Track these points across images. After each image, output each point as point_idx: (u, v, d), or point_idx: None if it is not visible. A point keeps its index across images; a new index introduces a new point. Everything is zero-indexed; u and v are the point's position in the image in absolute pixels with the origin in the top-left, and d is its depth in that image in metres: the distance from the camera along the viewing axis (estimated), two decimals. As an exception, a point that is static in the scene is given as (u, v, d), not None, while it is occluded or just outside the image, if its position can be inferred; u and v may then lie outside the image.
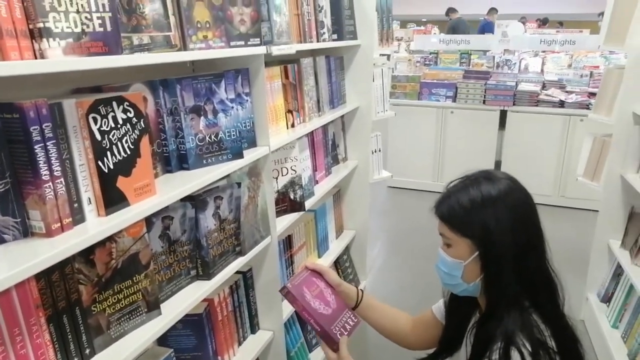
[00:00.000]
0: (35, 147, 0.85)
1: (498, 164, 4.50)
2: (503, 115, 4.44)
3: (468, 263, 1.08)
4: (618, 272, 2.42)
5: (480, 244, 1.06)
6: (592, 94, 4.13)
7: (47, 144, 0.87)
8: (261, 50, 1.48)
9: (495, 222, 1.03)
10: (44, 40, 0.82)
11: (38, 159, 0.86)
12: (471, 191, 1.07)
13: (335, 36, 2.22)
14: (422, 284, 3.01)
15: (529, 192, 1.10)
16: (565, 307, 1.12)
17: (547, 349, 1.00)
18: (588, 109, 4.02)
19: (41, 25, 0.81)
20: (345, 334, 1.26)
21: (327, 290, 1.32)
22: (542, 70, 5.16)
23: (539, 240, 1.09)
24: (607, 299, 2.46)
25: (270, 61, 1.68)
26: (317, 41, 2.04)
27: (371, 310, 1.40)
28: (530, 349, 0.98)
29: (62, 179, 0.91)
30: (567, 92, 4.42)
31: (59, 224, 0.91)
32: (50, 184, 0.88)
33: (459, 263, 1.09)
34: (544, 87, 4.54)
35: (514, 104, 4.38)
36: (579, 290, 2.69)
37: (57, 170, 0.90)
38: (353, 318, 1.32)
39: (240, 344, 1.66)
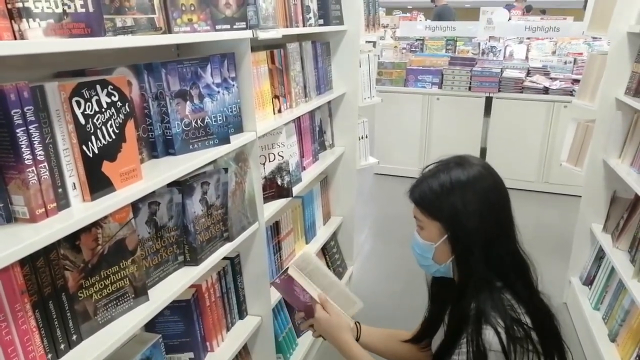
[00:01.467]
0: (17, 130, 0.84)
1: (483, 150, 4.53)
2: (488, 101, 4.47)
3: (438, 245, 1.12)
4: (600, 256, 2.47)
5: (449, 227, 1.10)
6: (576, 81, 4.18)
7: (29, 127, 0.86)
8: (247, 34, 1.46)
9: (463, 206, 1.07)
10: (24, 20, 0.80)
11: (20, 143, 0.84)
12: (441, 176, 1.11)
13: (321, 21, 2.20)
14: (408, 270, 3.02)
15: (501, 179, 1.13)
16: (546, 289, 1.15)
17: (522, 325, 1.02)
18: (572, 95, 4.07)
19: (20, 5, 0.79)
20: None
21: (304, 296, 1.34)
22: (526, 57, 5.19)
23: (508, 225, 1.12)
24: (589, 281, 2.51)
25: (256, 46, 1.66)
26: (303, 26, 2.02)
27: (372, 338, 1.40)
28: (503, 325, 1.00)
29: (45, 164, 0.89)
30: (551, 78, 4.46)
31: (43, 209, 0.89)
32: (34, 168, 0.87)
33: (430, 245, 1.13)
34: (528, 73, 4.58)
35: (499, 91, 4.41)
36: (562, 273, 2.75)
37: (40, 155, 0.88)
38: None
39: (228, 329, 1.66)
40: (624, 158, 2.28)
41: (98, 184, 1.00)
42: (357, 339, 1.38)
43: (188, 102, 1.31)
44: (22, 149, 0.85)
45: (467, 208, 1.07)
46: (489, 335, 1.00)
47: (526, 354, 1.00)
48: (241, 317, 1.73)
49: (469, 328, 1.03)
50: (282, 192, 1.85)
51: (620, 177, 2.17)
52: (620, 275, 2.02)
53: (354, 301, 1.38)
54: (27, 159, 0.86)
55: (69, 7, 0.88)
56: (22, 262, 0.87)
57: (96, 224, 1.01)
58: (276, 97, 1.83)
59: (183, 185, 1.30)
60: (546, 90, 4.29)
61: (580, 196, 2.63)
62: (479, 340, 1.00)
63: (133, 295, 1.13)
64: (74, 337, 0.99)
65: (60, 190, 0.93)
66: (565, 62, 4.72)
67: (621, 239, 2.19)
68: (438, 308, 1.28)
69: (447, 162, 1.14)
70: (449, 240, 1.11)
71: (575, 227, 2.66)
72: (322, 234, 2.47)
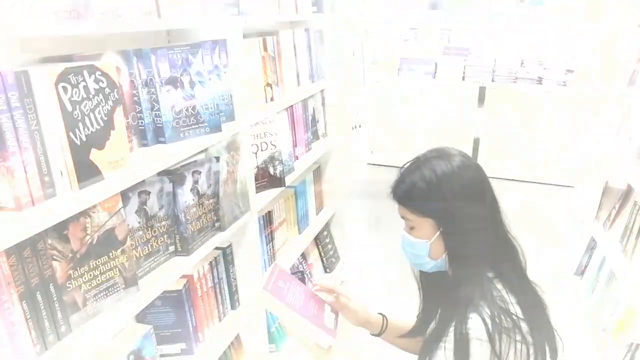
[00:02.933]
0: (1, 116, 0.81)
1: (477, 140, 4.53)
2: (482, 91, 4.46)
3: (433, 241, 1.11)
4: (592, 246, 2.48)
5: (442, 221, 1.08)
6: (570, 71, 4.17)
7: (14, 113, 0.83)
8: (239, 20, 1.44)
9: (453, 198, 1.06)
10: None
11: (4, 129, 0.82)
12: (424, 171, 1.09)
13: (315, 9, 2.17)
14: (401, 260, 3.04)
15: (480, 165, 1.13)
16: (537, 279, 1.14)
17: (510, 315, 1.02)
18: (566, 85, 4.06)
19: (3, -14, 0.77)
20: (333, 328, 1.23)
21: (298, 286, 1.28)
22: (520, 47, 5.17)
23: (495, 209, 1.12)
24: (580, 271, 2.53)
25: (249, 33, 1.63)
26: (296, 13, 1.99)
27: (395, 331, 1.37)
28: (490, 314, 1.00)
29: (31, 151, 0.87)
30: (545, 68, 4.45)
31: (29, 198, 0.87)
32: (19, 156, 0.85)
33: (425, 242, 1.12)
34: (522, 64, 4.56)
35: (492, 81, 4.40)
36: (554, 263, 2.76)
37: (25, 142, 0.86)
38: (331, 312, 1.29)
39: (220, 320, 1.65)
40: (617, 148, 2.28)
41: (86, 172, 0.98)
42: (382, 333, 1.36)
43: (179, 89, 1.29)
44: (7, 136, 0.82)
45: (457, 199, 1.06)
46: (474, 324, 1.00)
47: (513, 344, 1.00)
48: (233, 307, 1.72)
49: (459, 317, 1.03)
50: (275, 181, 1.83)
51: (612, 167, 2.18)
52: (611, 265, 2.02)
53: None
54: (12, 146, 0.83)
55: (54, -11, 0.85)
56: (8, 252, 0.84)
57: (84, 213, 0.99)
58: (268, 85, 1.81)
59: (174, 174, 1.28)
60: (540, 80, 4.29)
61: (572, 186, 2.64)
62: (463, 328, 1.00)
63: (123, 286, 1.12)
64: (63, 328, 0.98)
65: (46, 178, 0.91)
66: (560, 52, 4.70)
67: (613, 229, 2.20)
68: (431, 301, 1.27)
69: (426, 156, 1.13)
70: (442, 234, 1.09)
71: (568, 217, 2.67)
72: (315, 224, 2.46)
